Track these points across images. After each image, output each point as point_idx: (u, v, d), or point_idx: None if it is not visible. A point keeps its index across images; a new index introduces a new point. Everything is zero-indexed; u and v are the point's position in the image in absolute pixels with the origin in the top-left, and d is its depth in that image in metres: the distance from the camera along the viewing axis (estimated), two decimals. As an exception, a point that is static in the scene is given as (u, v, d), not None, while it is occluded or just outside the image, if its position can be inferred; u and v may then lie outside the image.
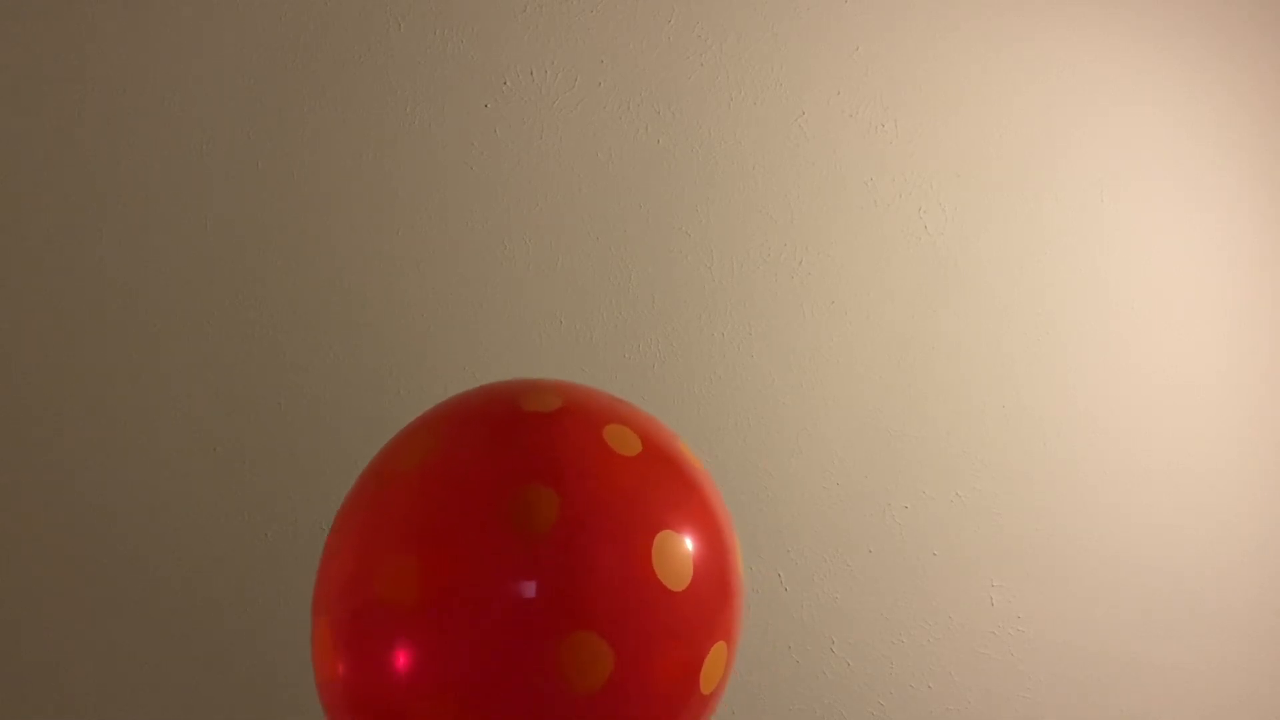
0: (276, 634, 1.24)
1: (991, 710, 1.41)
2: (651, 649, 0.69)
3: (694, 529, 0.73)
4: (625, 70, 1.32)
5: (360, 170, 1.27)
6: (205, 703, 1.24)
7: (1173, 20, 1.46)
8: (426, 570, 0.68)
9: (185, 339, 1.24)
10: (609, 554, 0.68)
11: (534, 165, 1.30)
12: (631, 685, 0.67)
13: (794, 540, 1.36)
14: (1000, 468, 1.41)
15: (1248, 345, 1.48)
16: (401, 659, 0.67)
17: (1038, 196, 1.42)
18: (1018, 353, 1.41)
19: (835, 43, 1.37)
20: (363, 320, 1.27)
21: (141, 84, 1.23)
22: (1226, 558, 1.46)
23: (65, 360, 1.21)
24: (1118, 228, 1.44)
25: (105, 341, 1.22)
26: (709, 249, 1.34)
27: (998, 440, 1.41)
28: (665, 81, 1.33)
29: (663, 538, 0.70)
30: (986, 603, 1.40)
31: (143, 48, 1.23)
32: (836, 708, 1.37)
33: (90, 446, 1.22)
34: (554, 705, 0.66)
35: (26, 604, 1.21)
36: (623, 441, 0.74)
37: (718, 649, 0.73)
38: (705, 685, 0.72)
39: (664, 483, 0.75)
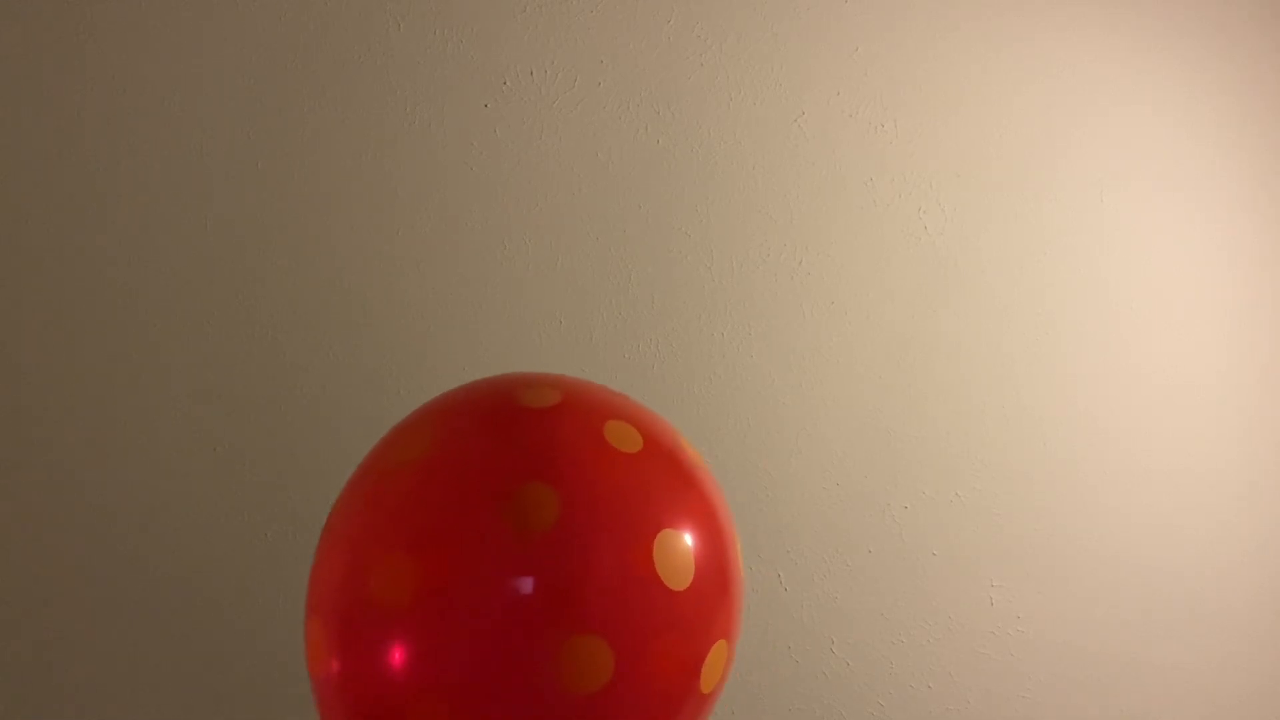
0: (276, 633, 1.24)
1: (991, 710, 1.41)
2: (652, 649, 0.67)
3: (695, 526, 0.72)
4: (625, 70, 1.32)
5: (360, 170, 1.27)
6: (205, 702, 1.24)
7: (1173, 20, 1.46)
8: (422, 570, 0.66)
9: (185, 339, 1.24)
10: (609, 553, 0.67)
11: (534, 165, 1.30)
12: (631, 685, 0.66)
13: (794, 540, 1.36)
14: (1000, 468, 1.41)
15: (1248, 345, 1.48)
16: (397, 661, 0.65)
17: (1038, 196, 1.42)
18: (1018, 353, 1.41)
19: (835, 43, 1.37)
20: (363, 320, 1.27)
21: (141, 84, 1.23)
22: (1226, 558, 1.46)
23: (65, 360, 1.21)
24: (1118, 228, 1.44)
25: (105, 341, 1.22)
26: (709, 249, 1.34)
27: (998, 440, 1.41)
28: (665, 82, 1.33)
29: (664, 536, 0.69)
30: (986, 603, 1.40)
31: (143, 48, 1.23)
32: (836, 708, 1.37)
33: (90, 446, 1.22)
34: (553, 706, 0.65)
35: (26, 604, 1.21)
36: (623, 438, 0.73)
37: (718, 648, 0.72)
38: (705, 684, 0.72)
39: (665, 480, 0.73)
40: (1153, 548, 1.44)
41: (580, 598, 0.65)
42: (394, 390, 1.26)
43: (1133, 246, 1.44)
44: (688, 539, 0.71)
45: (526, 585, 0.65)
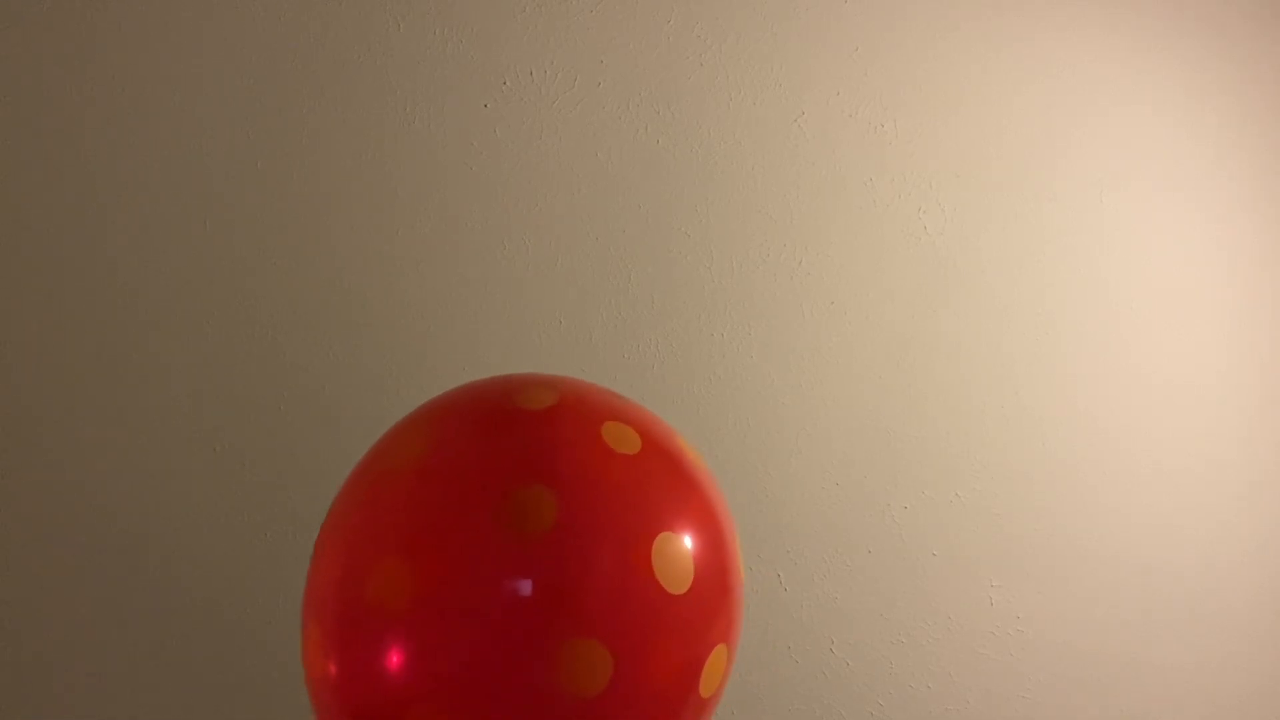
0: (276, 633, 1.24)
1: (991, 710, 1.41)
2: (651, 654, 0.67)
3: (695, 529, 0.71)
4: (625, 70, 1.32)
5: (360, 170, 1.27)
6: (205, 702, 1.24)
7: (1173, 21, 1.46)
8: (419, 574, 0.65)
9: (185, 339, 1.24)
10: (608, 557, 0.66)
11: (534, 165, 1.30)
12: (630, 690, 0.66)
13: (794, 540, 1.36)
14: (1000, 468, 1.41)
15: (1248, 345, 1.48)
16: (394, 665, 0.65)
17: (1038, 196, 1.42)
18: (1018, 353, 1.41)
19: (835, 43, 1.37)
20: (363, 320, 1.27)
21: (141, 84, 1.23)
22: (1226, 558, 1.46)
23: (65, 360, 1.21)
24: (1118, 228, 1.44)
25: (105, 341, 1.22)
26: (709, 249, 1.34)
27: (998, 440, 1.41)
28: (665, 81, 1.33)
29: (663, 539, 0.68)
30: (986, 603, 1.40)
31: (143, 48, 1.23)
32: (836, 708, 1.37)
33: (90, 446, 1.22)
34: (551, 710, 0.64)
35: (26, 604, 1.21)
36: (621, 439, 0.72)
37: (718, 652, 0.71)
38: (705, 689, 0.71)
39: (664, 482, 0.73)
40: (1153, 548, 1.44)
41: (578, 601, 0.65)
42: (394, 390, 1.26)
43: (1133, 246, 1.44)
44: (687, 542, 0.70)
45: (524, 589, 0.64)
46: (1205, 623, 1.45)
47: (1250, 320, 1.48)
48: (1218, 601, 1.46)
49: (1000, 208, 1.41)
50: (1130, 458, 1.44)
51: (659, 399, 1.32)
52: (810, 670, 1.36)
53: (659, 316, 1.33)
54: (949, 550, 1.39)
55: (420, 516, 0.68)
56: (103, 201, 1.22)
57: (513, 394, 0.74)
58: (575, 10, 1.31)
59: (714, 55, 1.34)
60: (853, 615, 1.37)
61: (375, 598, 0.66)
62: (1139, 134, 1.45)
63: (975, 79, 1.40)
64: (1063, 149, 1.43)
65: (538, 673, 0.64)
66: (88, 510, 1.22)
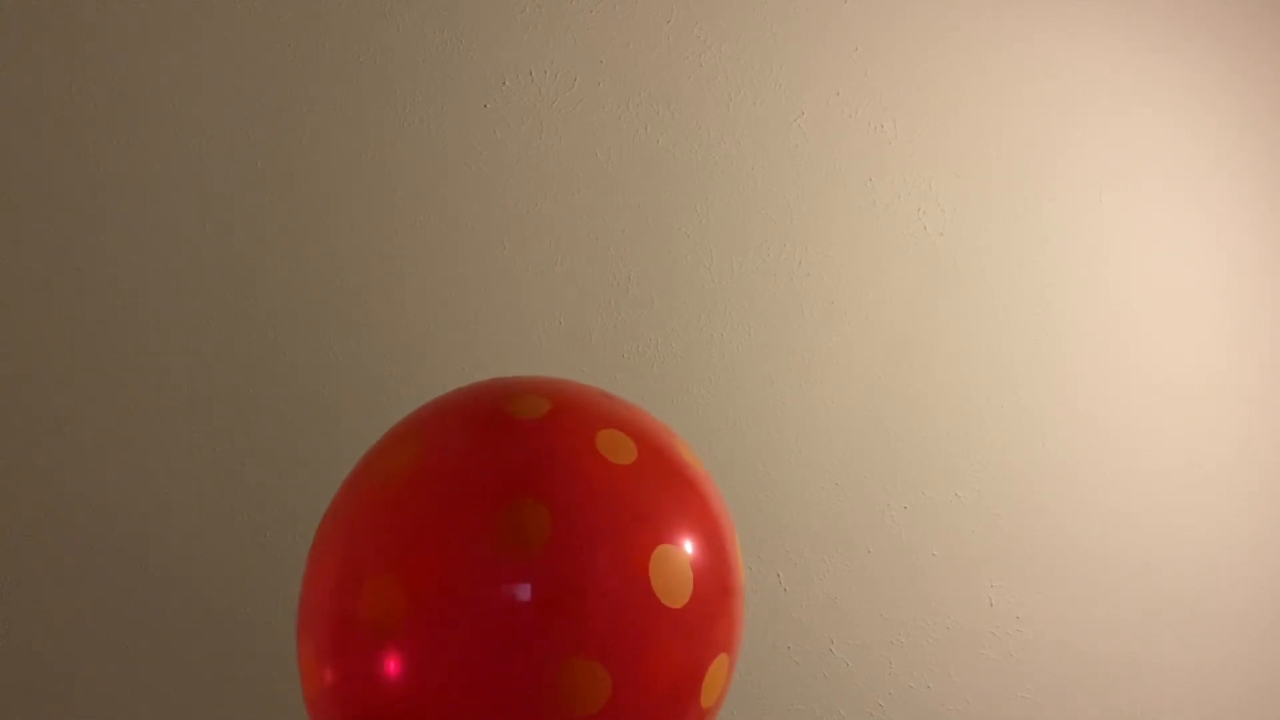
0: (276, 633, 1.24)
1: (991, 710, 1.41)
2: (650, 669, 0.65)
3: (693, 538, 0.69)
4: (625, 71, 1.32)
5: (360, 170, 1.27)
6: (205, 702, 1.24)
7: (1173, 21, 1.46)
8: (412, 591, 0.64)
9: (186, 339, 1.24)
10: (604, 572, 0.64)
11: (534, 165, 1.30)
12: (630, 705, 0.64)
13: (794, 540, 1.36)
14: (1000, 468, 1.41)
15: (1248, 345, 1.48)
16: (388, 683, 0.63)
17: (1038, 196, 1.42)
18: (1018, 353, 1.41)
19: (834, 43, 1.37)
20: (363, 320, 1.27)
21: (142, 84, 1.23)
22: (1226, 558, 1.46)
23: (65, 360, 1.21)
24: (1117, 228, 1.44)
25: (105, 341, 1.22)
26: (708, 249, 1.34)
27: (998, 440, 1.41)
28: (665, 82, 1.33)
29: (660, 552, 0.67)
30: (986, 603, 1.40)
31: (143, 48, 1.23)
32: (836, 708, 1.37)
33: (90, 446, 1.22)
34: None
35: (26, 603, 1.21)
36: (616, 448, 0.70)
37: (719, 662, 0.70)
38: (706, 699, 0.70)
39: (661, 491, 0.71)
40: (1153, 548, 1.44)
41: (575, 620, 0.63)
42: (394, 390, 1.26)
43: (1133, 247, 1.44)
44: (685, 553, 0.68)
45: (519, 607, 0.63)
46: (1205, 623, 1.45)
47: (1250, 320, 1.48)
48: (1217, 601, 1.46)
49: (1000, 208, 1.41)
50: (1130, 458, 1.44)
51: (659, 399, 1.32)
52: (810, 670, 1.36)
53: (659, 316, 1.33)
54: (949, 550, 1.39)
55: (413, 532, 0.66)
56: (103, 201, 1.22)
57: (504, 402, 0.72)
58: (575, 10, 1.31)
59: (714, 55, 1.34)
60: (853, 615, 1.37)
61: (369, 615, 0.65)
62: (1139, 134, 1.44)
63: (975, 79, 1.40)
64: (1063, 149, 1.43)
65: (535, 691, 0.62)
66: (88, 510, 1.22)
